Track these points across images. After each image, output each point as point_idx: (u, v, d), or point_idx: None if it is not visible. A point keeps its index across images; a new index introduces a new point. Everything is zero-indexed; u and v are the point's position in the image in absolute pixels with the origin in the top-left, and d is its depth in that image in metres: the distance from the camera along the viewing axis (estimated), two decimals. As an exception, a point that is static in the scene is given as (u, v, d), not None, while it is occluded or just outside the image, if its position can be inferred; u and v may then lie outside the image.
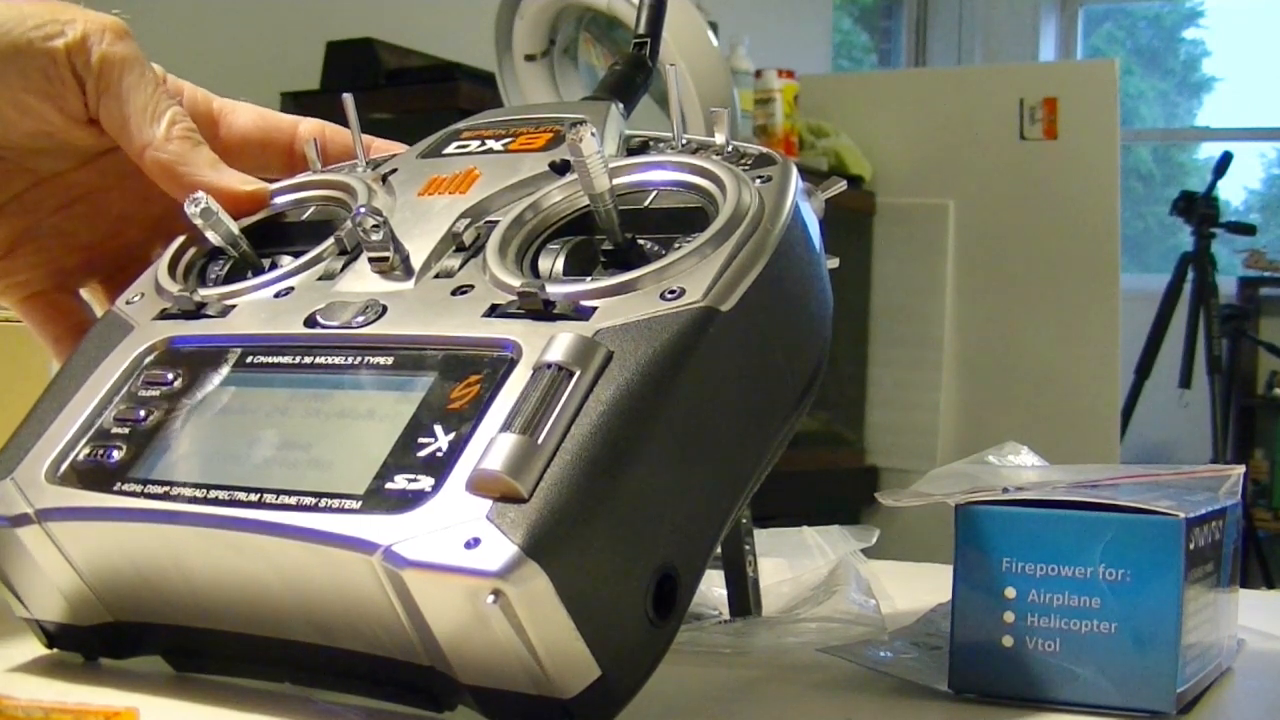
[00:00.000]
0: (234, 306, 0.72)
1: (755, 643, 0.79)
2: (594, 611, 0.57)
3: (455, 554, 0.56)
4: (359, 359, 0.66)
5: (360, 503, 0.60)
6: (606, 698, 0.58)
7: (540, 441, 0.58)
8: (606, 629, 0.57)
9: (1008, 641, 0.67)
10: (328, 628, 0.62)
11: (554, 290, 0.64)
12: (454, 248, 0.69)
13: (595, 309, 0.63)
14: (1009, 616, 0.66)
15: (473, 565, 0.56)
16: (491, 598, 0.55)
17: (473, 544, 0.56)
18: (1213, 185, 5.27)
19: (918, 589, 0.86)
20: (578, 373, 0.59)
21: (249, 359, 0.69)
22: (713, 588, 0.84)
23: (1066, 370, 3.31)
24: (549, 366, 0.60)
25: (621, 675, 0.59)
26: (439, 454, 0.60)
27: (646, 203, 0.69)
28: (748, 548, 0.84)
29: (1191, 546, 0.65)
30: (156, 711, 0.54)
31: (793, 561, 0.91)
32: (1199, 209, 5.18)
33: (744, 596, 0.84)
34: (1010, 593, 0.66)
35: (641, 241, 0.68)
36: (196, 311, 0.72)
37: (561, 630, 0.56)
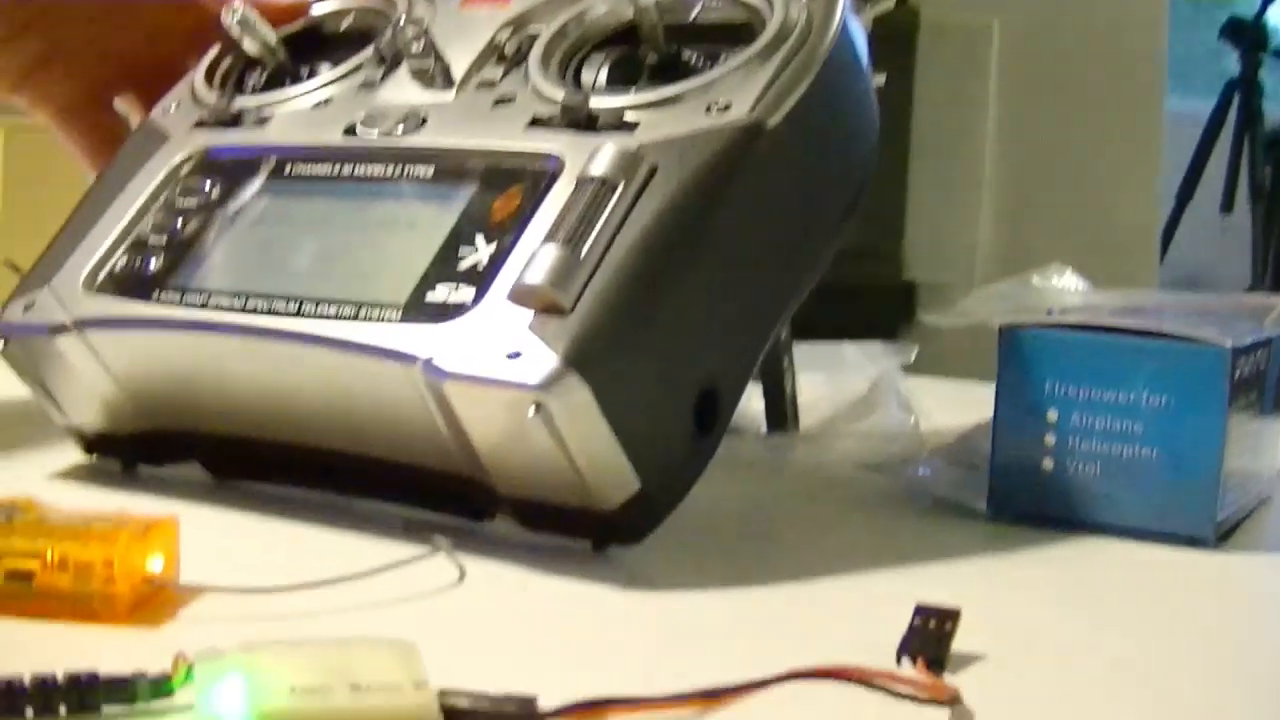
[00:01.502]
0: (271, 116, 0.71)
1: (792, 458, 0.79)
2: (635, 425, 0.57)
3: (497, 366, 0.56)
4: (399, 169, 0.65)
5: (401, 313, 0.59)
6: (646, 511, 0.58)
7: (583, 255, 0.57)
8: (647, 442, 0.57)
9: (1048, 464, 0.66)
10: (367, 437, 0.62)
11: (597, 103, 0.63)
12: (495, 59, 0.68)
13: (639, 122, 0.62)
14: (1050, 439, 0.66)
15: (514, 378, 0.55)
16: (533, 410, 0.55)
17: (514, 356, 0.56)
18: (1262, 11, 5.18)
19: (956, 407, 0.85)
20: (621, 186, 0.59)
21: (287, 169, 0.68)
22: (750, 401, 0.84)
23: (1107, 192, 3.28)
24: (592, 179, 0.59)
25: (661, 489, 0.58)
26: (480, 266, 0.59)
27: (692, 16, 0.67)
28: (786, 362, 0.83)
29: (1236, 376, 0.64)
30: (196, 519, 0.54)
31: (831, 377, 0.90)
32: (1247, 34, 5.10)
33: (782, 411, 0.83)
34: (1052, 415, 0.66)
35: (687, 55, 0.67)
36: (234, 121, 0.71)
37: (602, 443, 0.56)
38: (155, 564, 0.51)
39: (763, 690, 0.43)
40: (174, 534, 0.52)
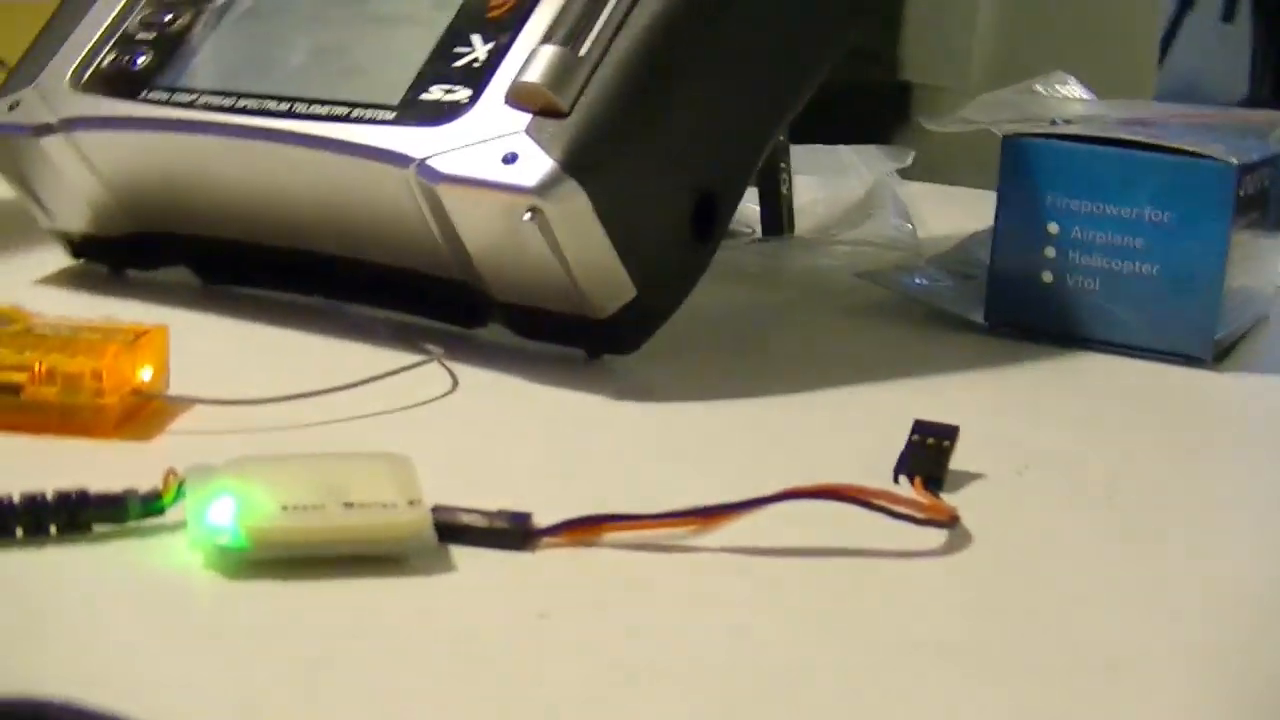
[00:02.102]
0: (263, -96, 0.69)
1: (788, 264, 0.78)
2: (632, 231, 0.56)
3: (492, 169, 0.55)
4: (396, -38, 0.64)
5: (395, 113, 0.58)
6: (641, 318, 0.58)
7: (581, 54, 0.56)
8: (644, 249, 0.56)
9: (1047, 277, 0.65)
10: (359, 241, 0.61)
11: (597, -107, 0.61)
12: None
13: (640, -84, 0.60)
14: (1050, 252, 0.65)
15: (510, 181, 0.54)
16: (528, 215, 0.54)
17: (510, 159, 0.54)
18: None
19: (953, 214, 0.84)
20: (622, -16, 0.57)
21: (280, -40, 0.66)
22: (744, 205, 0.83)
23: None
24: (592, -24, 0.57)
25: (657, 296, 0.58)
26: (476, 64, 0.58)
27: None
28: (783, 165, 0.82)
29: (1241, 193, 0.63)
30: (185, 326, 0.54)
31: (827, 180, 0.89)
32: None
33: (778, 215, 0.82)
34: (1053, 228, 0.65)
35: None
36: (225, -92, 0.70)
37: (598, 249, 0.55)
38: (144, 375, 0.50)
39: (759, 509, 0.42)
40: (164, 344, 0.51)
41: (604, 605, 0.39)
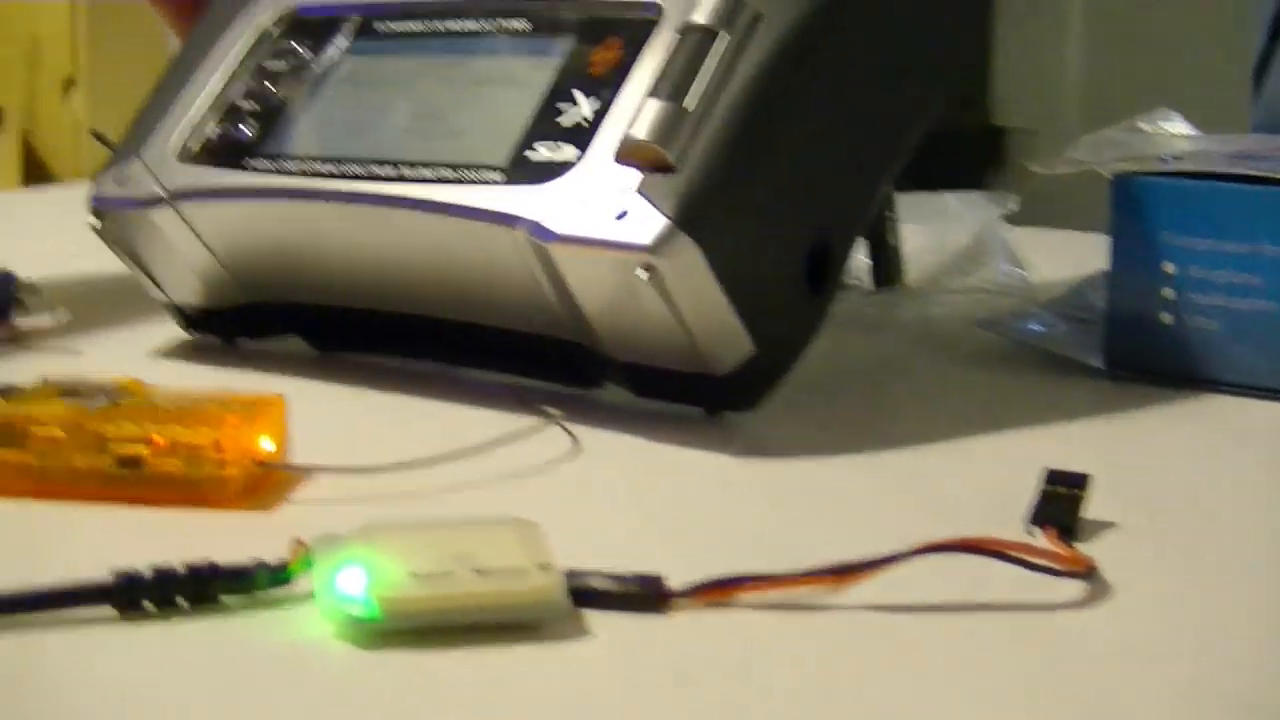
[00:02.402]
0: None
1: (901, 314, 0.77)
2: (747, 284, 0.55)
3: (604, 227, 0.54)
4: (492, 24, 0.63)
5: (502, 174, 0.58)
6: (760, 374, 0.57)
7: (687, 107, 0.55)
8: (760, 302, 0.55)
9: (1166, 318, 0.64)
10: (471, 303, 0.60)
11: (695, -52, 0.60)
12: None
13: (740, -33, 0.59)
14: (1168, 293, 0.64)
15: (623, 239, 0.54)
16: (643, 272, 0.53)
17: (621, 216, 0.54)
18: None
19: (1060, 257, 0.83)
20: (725, 34, 0.56)
21: (377, 26, 0.66)
22: (854, 255, 0.82)
23: (1196, 29, 3.21)
24: (694, 28, 0.57)
25: (775, 350, 0.57)
26: (582, 121, 0.58)
27: None
28: (889, 214, 0.81)
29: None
30: (301, 394, 0.53)
31: (933, 228, 0.88)
32: None
33: (887, 265, 0.81)
34: (1169, 268, 0.64)
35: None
36: (323, -23, 0.70)
37: (714, 304, 0.54)
38: (265, 444, 0.50)
39: (893, 565, 0.42)
40: (281, 413, 0.51)
41: (742, 668, 0.38)
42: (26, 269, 0.72)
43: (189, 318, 0.70)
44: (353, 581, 0.39)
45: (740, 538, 0.48)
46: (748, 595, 0.41)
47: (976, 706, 0.37)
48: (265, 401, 0.50)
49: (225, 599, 0.40)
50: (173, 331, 0.70)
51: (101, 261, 0.72)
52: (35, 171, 1.46)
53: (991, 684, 0.38)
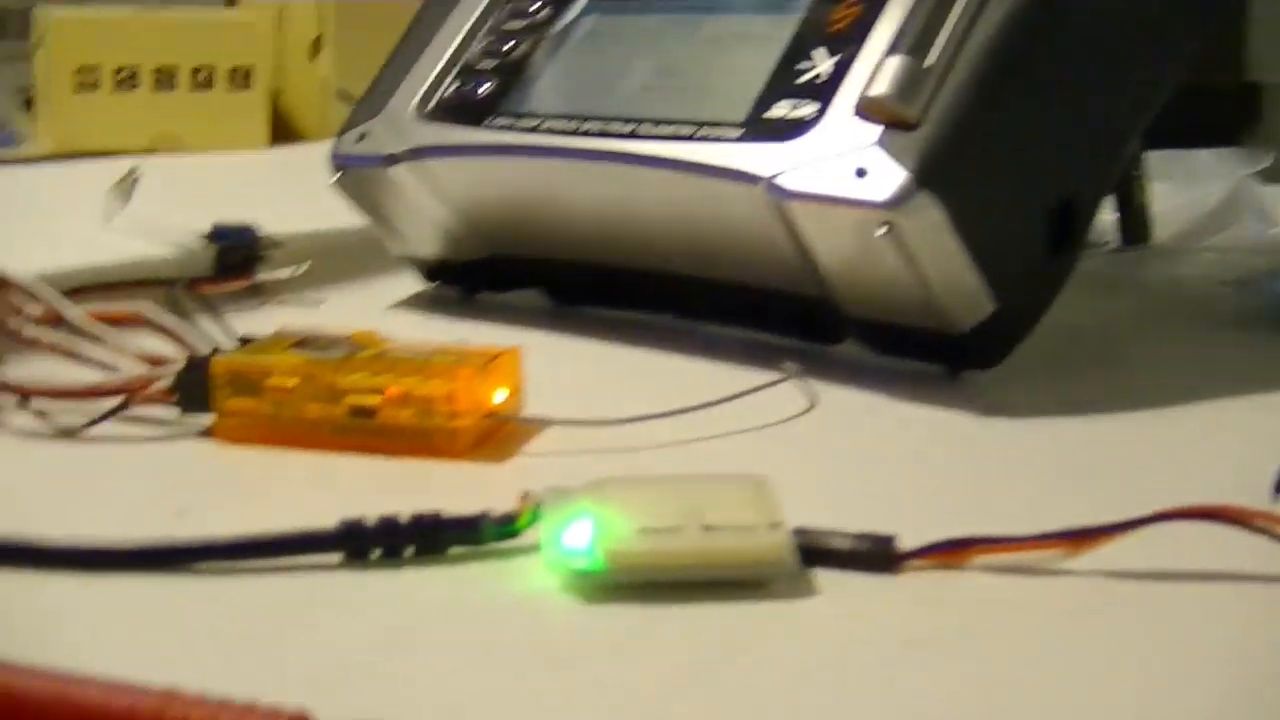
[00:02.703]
0: (599, -71, 0.69)
1: (1149, 274, 0.76)
2: (989, 242, 0.54)
3: (844, 184, 0.53)
4: (732, -21, 0.63)
5: (740, 131, 0.57)
6: (1001, 334, 0.56)
7: (929, 63, 0.54)
8: (1001, 260, 0.54)
9: None
10: (709, 259, 0.60)
11: (940, -102, 0.59)
12: None
13: (985, -81, 0.58)
14: None
15: (863, 196, 0.53)
16: (883, 230, 0.53)
17: (861, 173, 0.53)
18: None
19: (1319, 218, 0.81)
20: (967, -12, 0.55)
21: (616, -16, 0.66)
22: (1101, 213, 0.80)
23: None
24: (936, -16, 0.56)
25: (1017, 309, 0.56)
26: (821, 78, 0.57)
27: None
28: (1137, 172, 0.79)
29: None
30: (538, 347, 0.53)
31: (1182, 186, 0.86)
32: None
33: (1136, 224, 0.80)
34: None
35: None
36: (560, -64, 0.70)
37: (955, 262, 0.53)
38: (498, 397, 0.50)
39: (1131, 531, 0.40)
40: (517, 366, 0.51)
41: (973, 632, 0.37)
42: (271, 224, 0.73)
43: (429, 269, 0.71)
44: (579, 534, 0.38)
45: (975, 499, 0.47)
46: (981, 558, 0.40)
47: (1216, 681, 0.35)
48: (502, 354, 0.50)
49: (451, 550, 0.40)
50: (411, 285, 0.71)
51: (343, 217, 0.73)
52: (283, 130, 1.48)
53: (1234, 657, 0.36)
